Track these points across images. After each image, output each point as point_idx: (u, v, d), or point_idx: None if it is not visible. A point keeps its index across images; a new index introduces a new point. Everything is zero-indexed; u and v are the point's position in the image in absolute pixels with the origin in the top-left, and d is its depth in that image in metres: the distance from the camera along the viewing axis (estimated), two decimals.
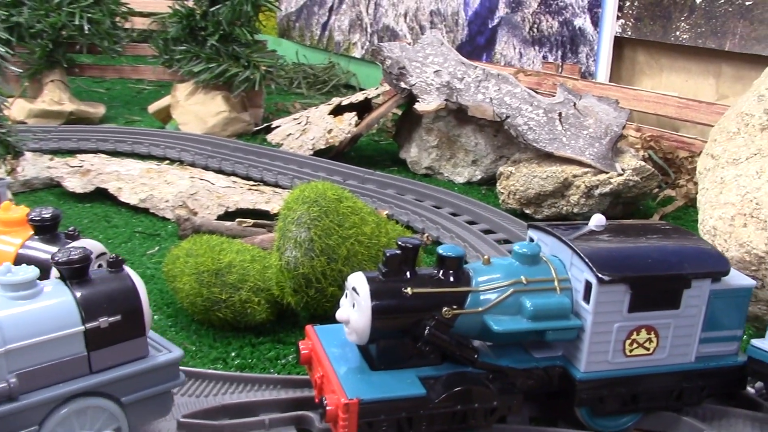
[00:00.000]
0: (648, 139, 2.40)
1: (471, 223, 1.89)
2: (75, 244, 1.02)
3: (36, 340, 0.85)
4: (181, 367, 1.13)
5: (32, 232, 1.06)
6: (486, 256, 1.01)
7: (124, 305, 0.90)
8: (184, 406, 1.06)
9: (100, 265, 1.04)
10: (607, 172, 1.91)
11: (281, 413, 1.05)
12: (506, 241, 1.77)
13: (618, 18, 2.64)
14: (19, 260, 1.03)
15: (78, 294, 0.89)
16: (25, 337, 0.85)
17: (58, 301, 0.88)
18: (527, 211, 2.01)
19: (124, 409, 0.92)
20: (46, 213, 1.05)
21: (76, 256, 0.90)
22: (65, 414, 0.87)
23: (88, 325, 0.88)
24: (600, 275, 0.94)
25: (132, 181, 2.01)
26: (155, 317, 1.38)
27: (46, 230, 1.05)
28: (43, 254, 1.02)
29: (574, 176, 1.93)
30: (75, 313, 0.88)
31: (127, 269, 0.94)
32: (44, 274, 0.97)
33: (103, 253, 1.06)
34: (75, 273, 0.90)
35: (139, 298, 0.92)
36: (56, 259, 0.90)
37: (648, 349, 1.00)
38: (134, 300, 0.91)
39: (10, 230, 1.07)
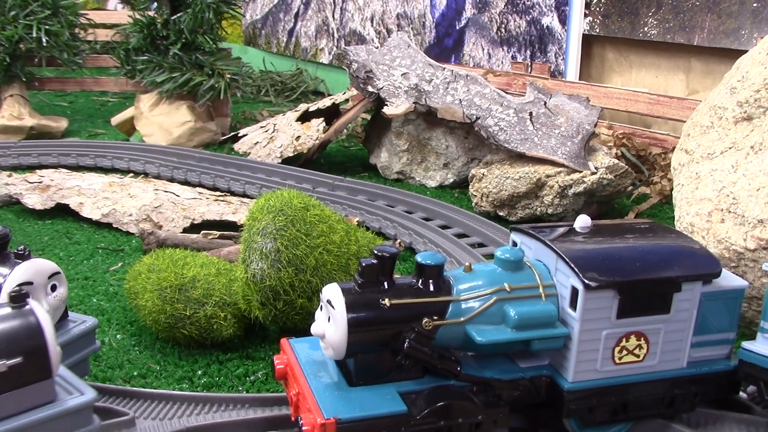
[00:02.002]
0: (620, 136, 2.37)
1: (444, 227, 1.85)
2: (25, 264, 0.96)
3: None
4: (145, 389, 1.09)
5: None
6: (467, 263, 0.96)
7: (27, 345, 0.80)
8: (147, 430, 1.00)
9: (53, 286, 0.99)
10: (580, 171, 1.88)
11: None
12: (480, 245, 1.73)
13: (585, 15, 2.62)
14: None
15: None
16: None
17: None
18: (501, 214, 1.98)
19: None
20: None
21: None
22: None
23: None
24: (587, 281, 0.89)
25: (94, 195, 1.95)
26: (118, 336, 1.33)
27: None
28: None
29: (548, 176, 1.89)
30: None
31: (32, 303, 0.83)
32: None
33: (56, 273, 1.00)
34: None
35: (44, 337, 0.81)
36: None
37: (638, 356, 0.96)
38: (38, 339, 0.80)
39: None
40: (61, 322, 1.02)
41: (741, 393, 1.08)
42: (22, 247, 0.98)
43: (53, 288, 0.99)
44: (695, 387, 1.00)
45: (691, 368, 0.99)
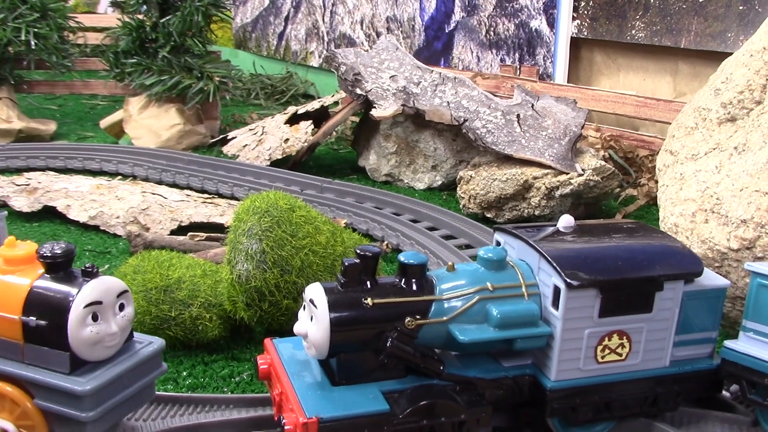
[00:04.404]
0: (608, 138, 2.38)
1: (432, 229, 1.85)
2: (93, 282, 0.90)
3: None
4: None
5: (42, 271, 0.93)
6: (450, 263, 0.96)
7: None
8: (131, 431, 1.00)
9: (121, 305, 0.93)
10: (567, 173, 1.88)
11: None
12: (468, 246, 1.73)
13: (574, 19, 2.63)
14: (30, 303, 0.90)
15: None
16: None
17: None
18: (488, 215, 1.98)
19: None
20: (58, 248, 0.92)
21: None
22: None
23: None
24: (569, 280, 0.90)
25: (81, 198, 1.94)
26: None
27: (59, 267, 0.92)
28: (58, 295, 0.90)
29: (535, 178, 1.90)
30: None
31: None
32: (62, 316, 0.88)
33: (125, 291, 0.94)
34: None
35: None
36: None
37: (621, 355, 0.96)
38: None
39: (15, 269, 0.93)
40: (127, 344, 0.96)
41: (724, 392, 1.08)
42: (89, 264, 0.92)
43: (121, 307, 0.93)
44: (678, 386, 1.00)
45: (674, 367, 1.00)
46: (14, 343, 0.91)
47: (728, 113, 1.37)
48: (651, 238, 1.02)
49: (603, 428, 1.01)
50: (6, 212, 1.15)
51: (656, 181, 2.18)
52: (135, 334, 0.98)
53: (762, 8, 2.11)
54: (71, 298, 0.88)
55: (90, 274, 0.91)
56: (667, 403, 1.01)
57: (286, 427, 0.85)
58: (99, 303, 0.89)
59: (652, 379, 0.99)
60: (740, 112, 1.35)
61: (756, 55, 1.37)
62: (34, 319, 0.89)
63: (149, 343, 0.98)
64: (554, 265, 0.92)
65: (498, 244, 1.07)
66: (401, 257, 0.93)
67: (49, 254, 0.91)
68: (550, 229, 1.03)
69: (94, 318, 0.89)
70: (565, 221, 1.03)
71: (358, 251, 0.91)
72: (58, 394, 0.89)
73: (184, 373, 1.21)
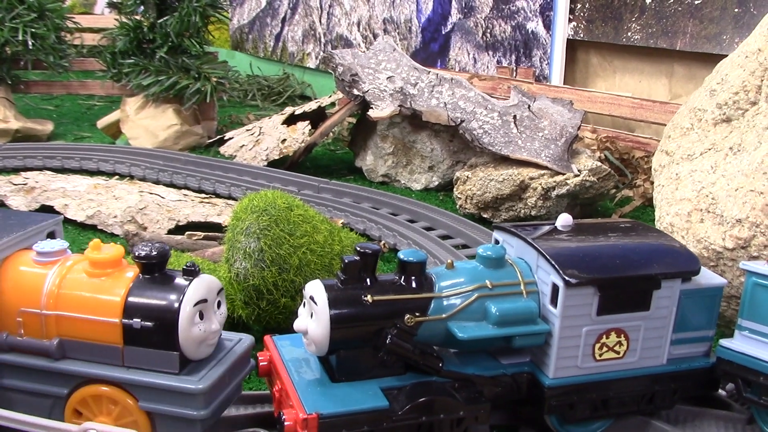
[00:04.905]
0: (604, 140, 2.39)
1: (428, 229, 1.85)
2: (198, 280, 0.90)
3: None
4: None
5: (132, 273, 0.91)
6: (449, 261, 0.97)
7: None
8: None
9: (218, 303, 0.93)
10: (563, 174, 1.89)
11: (233, 431, 1.01)
12: (464, 246, 1.74)
13: (570, 21, 2.64)
14: (131, 305, 0.88)
15: None
16: None
17: None
18: (485, 216, 1.99)
19: None
20: (154, 250, 0.90)
21: None
22: None
23: None
24: (567, 278, 0.90)
25: (79, 197, 1.94)
26: None
27: (155, 269, 0.90)
28: (164, 295, 0.88)
29: (531, 178, 1.90)
30: None
31: None
32: (172, 316, 0.87)
33: (222, 289, 0.94)
34: None
35: None
36: None
37: (618, 353, 0.97)
38: None
39: (103, 272, 0.91)
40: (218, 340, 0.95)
41: (720, 390, 1.09)
42: (190, 263, 0.91)
43: (218, 305, 0.93)
44: (675, 384, 1.01)
45: (671, 365, 1.01)
46: (113, 347, 0.90)
47: (723, 114, 1.37)
48: (648, 237, 1.03)
49: (600, 426, 1.02)
50: (62, 216, 1.13)
51: (652, 182, 2.19)
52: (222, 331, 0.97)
53: (757, 10, 2.12)
54: (180, 298, 0.87)
55: (192, 273, 0.90)
56: (663, 400, 1.01)
57: (286, 423, 0.86)
58: (204, 301, 0.89)
59: (649, 377, 1.00)
60: (735, 113, 1.36)
61: (751, 56, 1.37)
62: (139, 320, 0.87)
63: (239, 340, 0.97)
64: (553, 263, 0.93)
65: (497, 242, 1.07)
66: (401, 255, 0.94)
67: (146, 255, 0.90)
68: (549, 228, 1.04)
69: (200, 316, 0.89)
70: (564, 220, 1.04)
71: (358, 248, 0.92)
72: (169, 395, 0.88)
73: None
